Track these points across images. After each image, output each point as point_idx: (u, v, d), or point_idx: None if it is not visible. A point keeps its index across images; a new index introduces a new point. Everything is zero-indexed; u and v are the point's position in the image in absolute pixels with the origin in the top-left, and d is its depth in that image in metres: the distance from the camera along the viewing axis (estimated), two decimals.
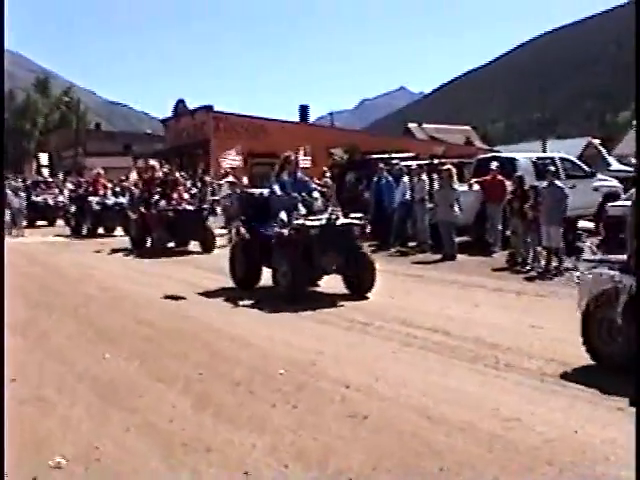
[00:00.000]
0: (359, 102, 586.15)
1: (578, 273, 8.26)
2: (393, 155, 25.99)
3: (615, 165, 33.32)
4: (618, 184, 22.01)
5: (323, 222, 12.34)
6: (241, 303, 11.91)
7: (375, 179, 21.58)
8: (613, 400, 6.43)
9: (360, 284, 12.49)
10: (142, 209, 21.38)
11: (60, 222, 32.44)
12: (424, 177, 19.73)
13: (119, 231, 26.18)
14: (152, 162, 23.94)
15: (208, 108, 53.83)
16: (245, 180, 28.25)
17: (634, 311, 6.92)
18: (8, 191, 28.92)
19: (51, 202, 34.11)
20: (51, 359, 8.52)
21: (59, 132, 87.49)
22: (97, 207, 27.06)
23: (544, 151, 44.61)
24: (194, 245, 21.12)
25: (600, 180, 21.92)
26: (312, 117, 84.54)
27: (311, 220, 12.40)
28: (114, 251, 21.37)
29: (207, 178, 33.15)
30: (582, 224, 19.60)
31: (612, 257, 7.86)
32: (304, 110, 66.70)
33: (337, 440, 5.64)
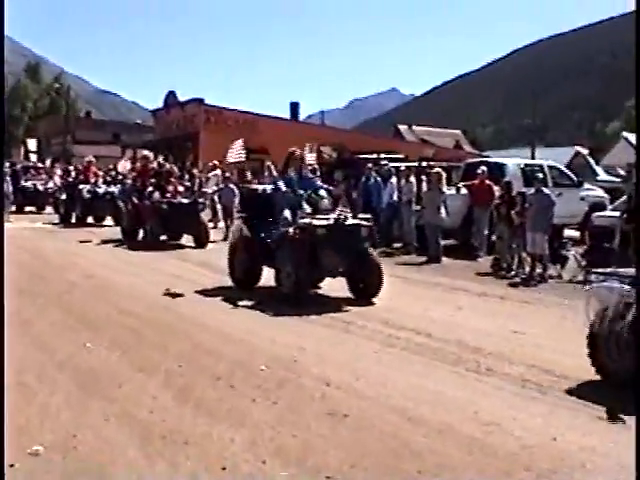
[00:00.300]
0: (350, 101, 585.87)
1: (587, 287, 8.03)
2: (382, 155, 26.03)
3: (602, 175, 33.51)
4: (604, 194, 22.14)
5: (331, 222, 11.84)
6: (239, 303, 11.57)
7: (363, 179, 21.59)
8: (593, 408, 6.45)
9: (366, 288, 11.98)
10: (135, 200, 20.95)
11: (49, 209, 32.04)
12: (412, 179, 19.76)
13: (109, 220, 26.13)
14: (145, 152, 23.45)
15: (199, 101, 53.83)
16: (249, 175, 28.16)
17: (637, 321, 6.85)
18: None
19: (41, 188, 33.76)
20: (33, 346, 8.50)
21: (48, 118, 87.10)
22: (87, 195, 26.47)
23: (533, 158, 44.73)
24: (187, 239, 20.70)
25: (587, 190, 22.03)
26: (302, 115, 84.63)
27: (318, 219, 11.88)
28: (104, 242, 20.90)
29: (195, 171, 33.01)
30: (567, 233, 19.67)
31: (621, 271, 7.73)
32: (295, 107, 66.77)
33: (316, 437, 5.64)
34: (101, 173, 29.48)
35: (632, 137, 64.50)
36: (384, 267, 12.26)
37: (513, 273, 15.37)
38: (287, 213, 12.01)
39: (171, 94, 63.13)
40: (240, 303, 11.49)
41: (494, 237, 17.32)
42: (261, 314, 10.75)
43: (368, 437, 5.68)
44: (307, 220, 11.79)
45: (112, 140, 70.42)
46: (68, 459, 5.17)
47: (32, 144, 79.74)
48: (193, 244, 20.13)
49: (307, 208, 12.19)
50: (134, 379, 7.22)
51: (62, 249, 19.06)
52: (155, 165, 22.34)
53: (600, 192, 22.56)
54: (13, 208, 30.50)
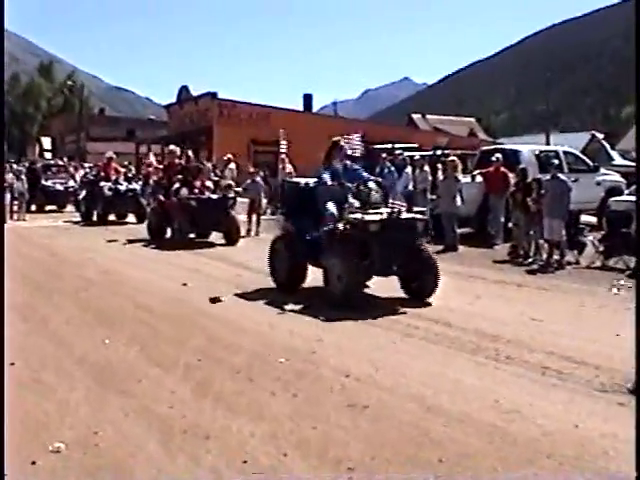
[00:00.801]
0: (363, 92, 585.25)
1: None
2: (396, 145, 25.96)
3: (618, 160, 33.28)
4: (621, 179, 21.99)
5: (384, 216, 10.81)
6: (287, 307, 10.68)
7: (377, 169, 21.53)
8: (614, 394, 6.42)
9: (421, 288, 11.11)
10: (161, 197, 19.99)
11: (70, 207, 31.59)
12: (426, 168, 19.72)
13: (131, 217, 25.98)
14: (172, 147, 21.97)
15: (212, 95, 53.79)
16: (289, 168, 27.70)
17: None
18: (10, 175, 28.58)
19: (61, 187, 33.04)
20: (51, 343, 8.52)
21: (62, 116, 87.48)
22: (108, 193, 25.47)
23: (547, 144, 44.53)
24: (215, 236, 19.75)
25: (603, 175, 21.90)
26: (316, 106, 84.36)
27: (369, 214, 10.87)
28: (130, 241, 19.81)
29: (209, 164, 33.01)
30: (584, 218, 19.56)
31: None
32: (308, 99, 66.63)
33: (336, 429, 5.63)
34: (122, 170, 28.55)
35: None
36: None
37: (530, 260, 15.30)
38: (333, 207, 11.15)
39: (184, 89, 63.30)
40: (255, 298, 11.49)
41: (510, 224, 17.26)
42: (277, 306, 10.73)
43: (388, 427, 5.66)
44: (357, 215, 10.88)
45: (126, 136, 70.54)
46: (89, 455, 5.17)
47: (47, 142, 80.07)
48: (223, 241, 19.29)
49: (355, 202, 11.23)
50: (152, 374, 7.22)
51: (90, 252, 17.46)
52: (181, 160, 21.12)
53: (616, 177, 22.41)
54: (33, 207, 30.68)
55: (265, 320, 9.65)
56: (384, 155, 22.11)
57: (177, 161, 20.76)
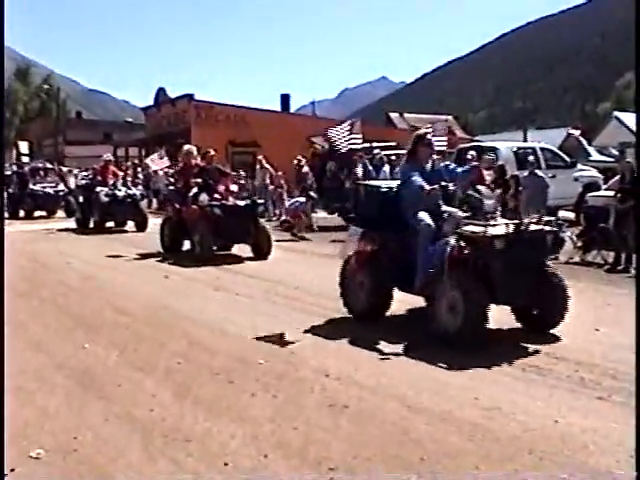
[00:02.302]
0: (340, 91, 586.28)
1: None
2: (374, 144, 26.00)
3: (595, 156, 33.49)
4: (598, 174, 22.15)
5: (510, 229, 8.29)
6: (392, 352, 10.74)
7: (356, 168, 21.61)
8: (594, 389, 6.45)
9: (543, 317, 8.74)
10: (176, 204, 17.27)
11: (61, 213, 30.70)
12: None
13: (130, 225, 24.12)
14: (188, 147, 18.76)
15: (189, 97, 53.63)
16: (269, 168, 27.04)
17: None
18: None
19: (51, 191, 31.38)
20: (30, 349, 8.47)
21: (39, 120, 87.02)
22: (105, 199, 23.49)
23: (525, 141, 44.69)
24: (238, 249, 16.77)
25: (580, 170, 22.04)
26: (293, 106, 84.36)
27: (488, 226, 8.35)
28: (142, 256, 16.90)
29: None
30: (562, 214, 19.64)
31: None
32: (285, 99, 66.55)
33: (317, 429, 5.62)
34: (121, 173, 26.99)
35: (623, 116, 64.61)
36: None
37: None
38: (427, 218, 8.77)
39: (161, 91, 63.03)
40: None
41: None
42: (255, 307, 10.70)
43: (369, 427, 5.66)
44: (476, 228, 8.43)
45: (104, 140, 70.27)
46: (69, 461, 5.14)
47: (24, 147, 79.61)
48: (252, 254, 16.29)
49: (455, 210, 8.97)
50: (133, 378, 7.18)
51: (90, 267, 15.14)
52: (199, 160, 18.08)
53: (594, 172, 22.59)
54: (21, 213, 30.07)
55: (244, 322, 9.63)
56: (362, 154, 22.17)
57: (194, 162, 17.88)
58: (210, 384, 6.92)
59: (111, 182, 24.43)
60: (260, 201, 17.59)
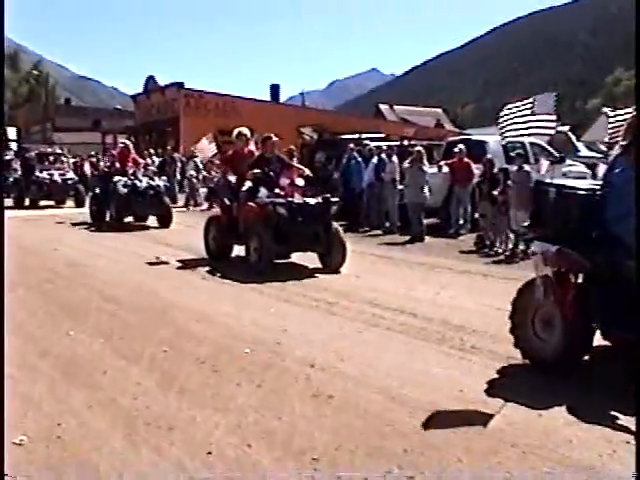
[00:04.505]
0: (330, 83, 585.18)
1: None
2: (363, 135, 26.01)
3: (584, 151, 33.52)
4: (587, 170, 22.16)
5: None
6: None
7: (344, 159, 21.61)
8: (579, 384, 6.45)
9: None
10: (227, 201, 14.24)
11: (70, 202, 29.17)
12: (394, 158, 19.74)
13: (152, 220, 21.68)
14: (241, 129, 14.85)
15: (179, 85, 53.71)
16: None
17: None
18: None
19: (58, 179, 29.11)
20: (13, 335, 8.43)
21: (28, 106, 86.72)
22: (124, 190, 20.66)
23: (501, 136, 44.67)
24: (298, 257, 13.58)
25: (569, 166, 22.05)
26: (283, 97, 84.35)
27: None
28: (184, 263, 13.97)
29: (176, 155, 32.86)
30: None
31: None
32: (275, 89, 66.70)
33: (301, 420, 5.62)
34: (142, 161, 23.97)
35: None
36: (368, 247, 12.10)
37: (499, 250, 15.40)
38: None
39: (151, 79, 63.08)
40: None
41: (477, 215, 17.37)
42: (244, 297, 10.71)
43: (353, 418, 5.66)
44: None
45: (93, 127, 70.11)
46: (52, 448, 5.13)
47: (12, 132, 79.20)
48: (320, 263, 13.28)
49: None
50: (118, 366, 7.17)
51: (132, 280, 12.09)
52: (253, 147, 15.02)
53: (582, 168, 22.58)
54: (26, 202, 28.38)
55: (230, 311, 9.63)
56: (351, 145, 22.17)
57: (247, 149, 14.63)
58: (195, 373, 6.91)
59: (131, 171, 21.66)
60: (335, 199, 13.83)
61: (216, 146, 23.46)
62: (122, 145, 23.42)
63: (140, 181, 21.17)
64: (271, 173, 13.49)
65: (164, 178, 22.86)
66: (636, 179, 6.11)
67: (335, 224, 13.35)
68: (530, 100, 12.79)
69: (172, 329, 8.64)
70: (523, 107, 12.98)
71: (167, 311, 9.68)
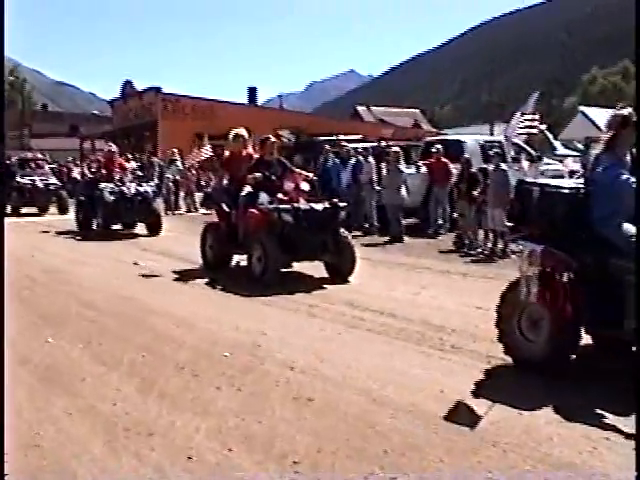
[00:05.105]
0: (308, 85, 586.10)
1: None
2: (341, 137, 26.05)
3: (561, 150, 33.75)
4: (563, 168, 22.32)
5: None
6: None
7: (321, 160, 21.65)
8: (557, 382, 6.45)
9: None
10: (225, 207, 13.25)
11: (53, 209, 28.15)
12: (371, 159, 19.77)
13: (141, 228, 20.69)
14: (238, 130, 13.97)
15: (156, 89, 53.64)
16: None
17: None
18: None
19: (41, 185, 28.05)
20: None
21: (4, 113, 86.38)
22: (111, 197, 19.80)
23: (492, 134, 44.91)
24: (304, 266, 12.65)
25: (546, 164, 22.19)
26: (261, 99, 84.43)
27: None
28: (183, 275, 12.99)
29: (155, 159, 32.76)
30: None
31: None
32: (252, 92, 66.71)
33: (282, 423, 5.61)
34: (129, 166, 23.27)
35: (589, 111, 65.33)
36: None
37: (478, 250, 15.43)
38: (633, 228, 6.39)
39: (128, 84, 62.95)
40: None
41: (455, 214, 17.42)
42: (223, 301, 10.69)
43: (334, 420, 5.65)
44: None
45: (70, 132, 69.87)
46: (30, 457, 5.09)
47: None
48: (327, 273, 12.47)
49: None
50: (97, 372, 7.13)
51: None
52: (251, 150, 13.92)
53: (559, 166, 22.75)
54: (8, 209, 26.35)
55: (209, 315, 9.60)
56: (328, 147, 22.21)
57: (245, 152, 13.74)
58: (175, 378, 6.88)
59: (117, 177, 20.85)
60: (342, 204, 12.82)
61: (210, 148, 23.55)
62: (109, 149, 22.51)
63: (127, 187, 20.33)
64: (273, 177, 12.68)
65: (151, 184, 21.98)
66: (637, 179, 6.14)
67: (344, 230, 12.53)
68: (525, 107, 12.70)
69: (151, 334, 8.61)
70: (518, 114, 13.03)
71: (149, 319, 9.65)
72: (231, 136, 13.80)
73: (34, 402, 6.24)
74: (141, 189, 20.45)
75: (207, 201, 14.04)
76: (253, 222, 12.14)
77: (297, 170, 13.63)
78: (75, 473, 4.86)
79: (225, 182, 14.01)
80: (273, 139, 13.40)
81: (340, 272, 12.12)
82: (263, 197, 12.30)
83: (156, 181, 25.14)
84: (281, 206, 12.06)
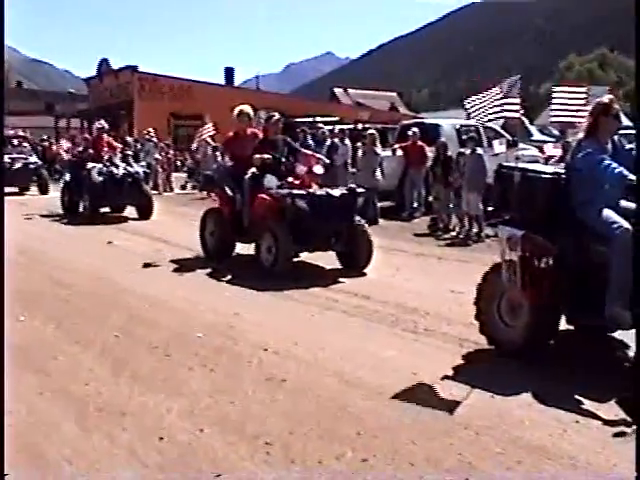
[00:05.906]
0: (285, 66, 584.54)
1: None
2: (317, 119, 26.01)
3: (537, 135, 33.85)
4: (539, 153, 22.38)
5: None
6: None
7: (298, 142, 21.59)
8: (530, 366, 6.48)
9: None
10: (229, 191, 12.12)
11: (34, 189, 27.19)
12: (347, 142, 19.75)
13: (130, 211, 19.51)
14: (241, 107, 12.74)
15: (133, 68, 53.24)
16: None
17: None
18: None
19: (19, 164, 26.74)
20: None
21: None
22: (99, 178, 18.37)
23: (468, 119, 45.02)
24: (312, 257, 11.75)
25: (522, 149, 22.22)
26: (238, 80, 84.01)
27: None
28: (183, 265, 12.00)
29: (129, 139, 32.57)
30: None
31: None
32: (229, 73, 66.29)
33: (254, 404, 5.61)
34: (119, 146, 21.56)
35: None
36: None
37: (453, 233, 15.49)
38: (618, 218, 6.31)
39: (104, 62, 62.50)
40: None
41: (431, 198, 17.46)
42: (199, 282, 10.66)
43: (306, 402, 5.66)
44: None
45: (45, 110, 69.21)
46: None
47: None
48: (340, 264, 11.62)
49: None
50: (69, 352, 7.10)
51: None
52: (256, 129, 13.06)
53: (535, 151, 22.81)
54: None
55: (183, 295, 9.58)
56: (304, 129, 22.17)
57: (250, 130, 12.77)
58: (148, 358, 6.86)
59: (106, 157, 19.26)
60: (360, 190, 11.84)
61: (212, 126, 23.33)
62: (99, 127, 20.61)
63: (117, 167, 18.86)
64: (281, 159, 11.83)
65: (143, 164, 20.94)
66: (637, 179, 6.15)
67: (359, 219, 11.47)
68: (501, 85, 12.66)
69: (124, 313, 8.57)
70: (494, 92, 12.97)
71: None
72: (235, 113, 12.68)
73: (5, 382, 6.19)
74: (131, 170, 19.07)
75: (207, 184, 12.74)
76: (262, 208, 11.13)
77: (308, 152, 12.91)
78: (46, 453, 4.84)
79: (228, 163, 13.15)
80: (278, 116, 12.38)
81: (355, 264, 11.31)
82: (272, 180, 11.36)
83: (148, 160, 24.72)
84: (295, 191, 11.01)
